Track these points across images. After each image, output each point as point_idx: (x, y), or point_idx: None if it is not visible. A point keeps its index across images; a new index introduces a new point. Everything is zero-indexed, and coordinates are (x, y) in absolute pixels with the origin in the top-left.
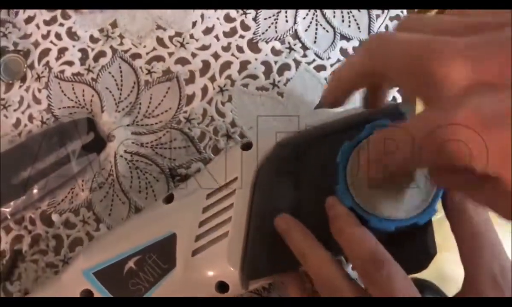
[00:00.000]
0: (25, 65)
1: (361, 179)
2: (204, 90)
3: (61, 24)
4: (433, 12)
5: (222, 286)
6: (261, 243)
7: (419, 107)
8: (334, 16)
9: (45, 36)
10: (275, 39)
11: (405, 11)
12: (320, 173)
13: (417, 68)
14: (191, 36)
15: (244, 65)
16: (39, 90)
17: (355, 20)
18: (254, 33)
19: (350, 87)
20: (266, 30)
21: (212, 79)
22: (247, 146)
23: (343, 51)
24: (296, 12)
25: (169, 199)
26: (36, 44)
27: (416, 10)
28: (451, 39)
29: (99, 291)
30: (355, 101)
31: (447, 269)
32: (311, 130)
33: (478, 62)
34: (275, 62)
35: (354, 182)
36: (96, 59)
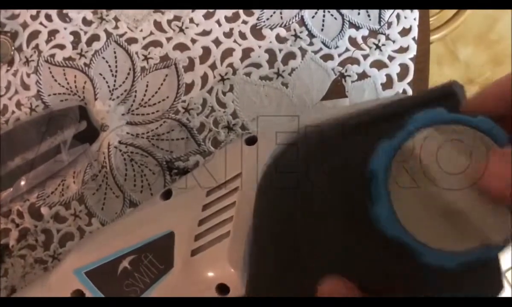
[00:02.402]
0: (13, 48)
1: (408, 195)
2: (204, 78)
3: None
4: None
5: (222, 288)
6: (265, 244)
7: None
8: None
9: (34, 17)
10: (280, 26)
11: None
12: (341, 178)
13: None
14: (191, 21)
15: (247, 52)
16: (28, 75)
17: None
18: (258, 19)
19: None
20: (271, 16)
21: (213, 67)
22: (251, 141)
23: (351, 40)
24: None
25: (167, 195)
26: (24, 25)
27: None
28: None
29: (91, 292)
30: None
31: None
32: (333, 122)
33: None
34: (280, 50)
35: (398, 200)
36: (89, 43)
